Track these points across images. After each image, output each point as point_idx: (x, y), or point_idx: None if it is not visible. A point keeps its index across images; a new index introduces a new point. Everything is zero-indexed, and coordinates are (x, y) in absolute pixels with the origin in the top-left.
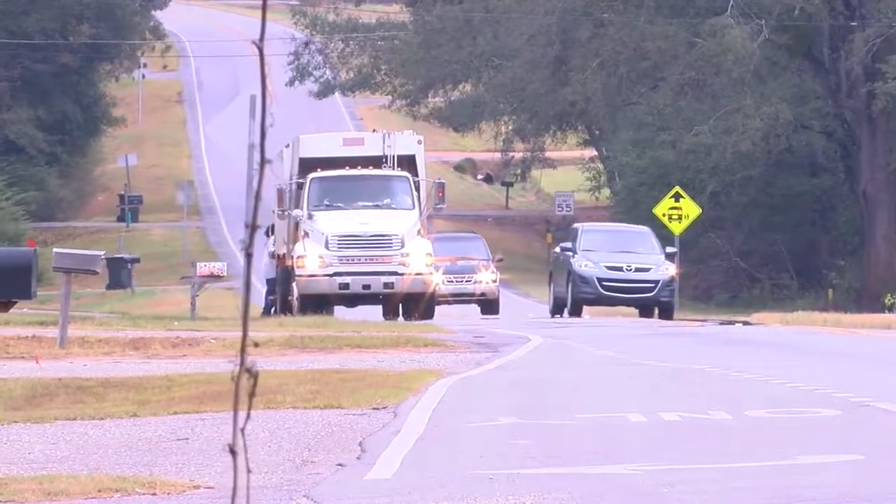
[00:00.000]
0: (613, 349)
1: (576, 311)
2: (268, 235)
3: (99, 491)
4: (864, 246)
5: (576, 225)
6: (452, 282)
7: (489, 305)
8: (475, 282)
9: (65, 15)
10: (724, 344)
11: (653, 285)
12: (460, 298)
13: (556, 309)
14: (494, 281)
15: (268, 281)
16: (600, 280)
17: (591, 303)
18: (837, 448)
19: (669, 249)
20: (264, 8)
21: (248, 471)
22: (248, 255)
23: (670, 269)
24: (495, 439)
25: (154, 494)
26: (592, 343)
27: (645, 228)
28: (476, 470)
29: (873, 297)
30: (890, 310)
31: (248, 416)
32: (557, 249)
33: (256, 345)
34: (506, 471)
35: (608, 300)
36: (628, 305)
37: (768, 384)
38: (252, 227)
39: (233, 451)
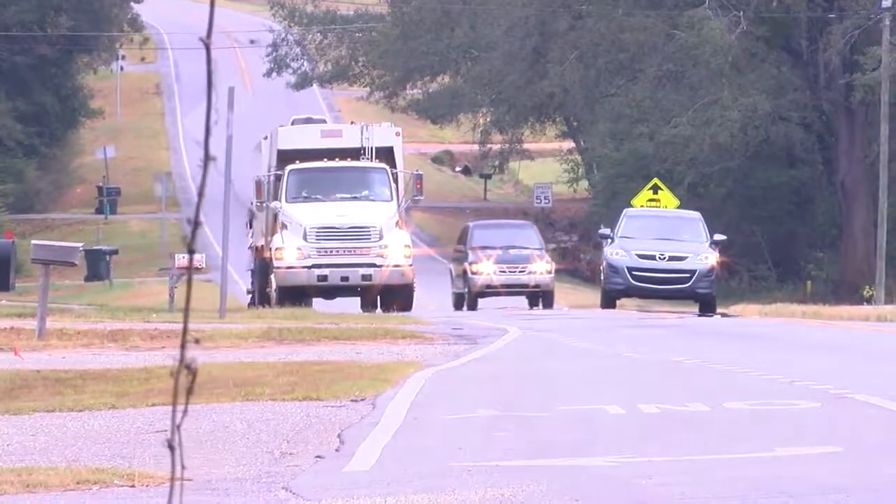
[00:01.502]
0: (592, 341)
1: (608, 303)
2: (249, 227)
3: (77, 483)
4: (843, 238)
5: (624, 210)
6: (505, 272)
7: (544, 298)
8: (529, 272)
9: (43, 6)
10: (703, 336)
11: (688, 275)
12: (513, 290)
13: (607, 302)
14: (549, 272)
15: (252, 273)
16: (630, 269)
17: (622, 294)
18: (816, 440)
19: (718, 237)
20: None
21: (182, 467)
22: (191, 252)
23: (710, 259)
24: (474, 431)
25: (132, 486)
26: (571, 335)
27: (695, 214)
28: (455, 462)
29: (851, 289)
30: (868, 301)
31: (185, 412)
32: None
33: (197, 341)
34: (485, 463)
35: (639, 291)
36: (662, 298)
37: (747, 376)
38: (194, 224)
39: (171, 447)
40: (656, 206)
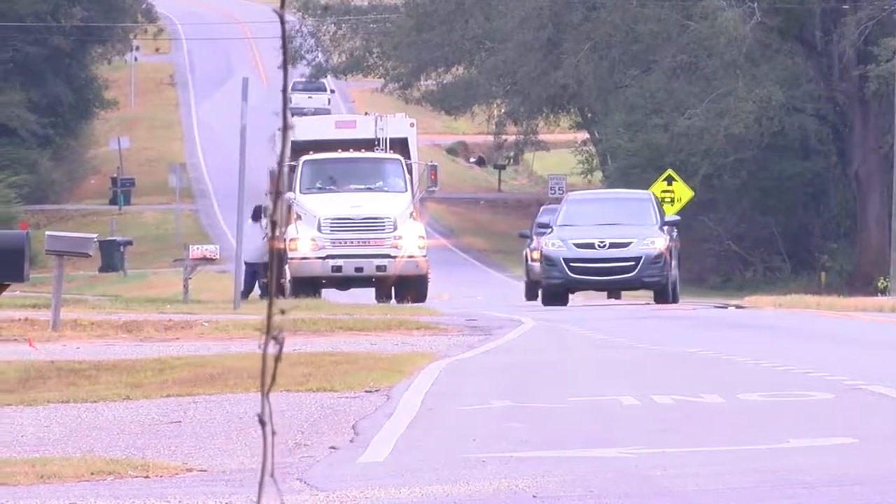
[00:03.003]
0: (606, 332)
1: (549, 299)
2: (258, 218)
3: (92, 474)
4: (857, 229)
5: (566, 194)
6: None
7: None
8: None
9: None
10: (717, 327)
11: (632, 263)
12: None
13: (531, 294)
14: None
15: (247, 264)
16: (567, 261)
17: (561, 289)
18: (830, 431)
19: (670, 218)
20: None
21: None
22: (273, 223)
23: (658, 242)
24: (488, 422)
25: (147, 477)
26: (585, 326)
27: (645, 194)
28: (469, 453)
29: (865, 280)
30: (882, 292)
31: (273, 380)
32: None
33: (283, 311)
34: (499, 454)
35: (579, 285)
36: (605, 290)
37: (761, 367)
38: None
39: (262, 422)
40: (670, 197)
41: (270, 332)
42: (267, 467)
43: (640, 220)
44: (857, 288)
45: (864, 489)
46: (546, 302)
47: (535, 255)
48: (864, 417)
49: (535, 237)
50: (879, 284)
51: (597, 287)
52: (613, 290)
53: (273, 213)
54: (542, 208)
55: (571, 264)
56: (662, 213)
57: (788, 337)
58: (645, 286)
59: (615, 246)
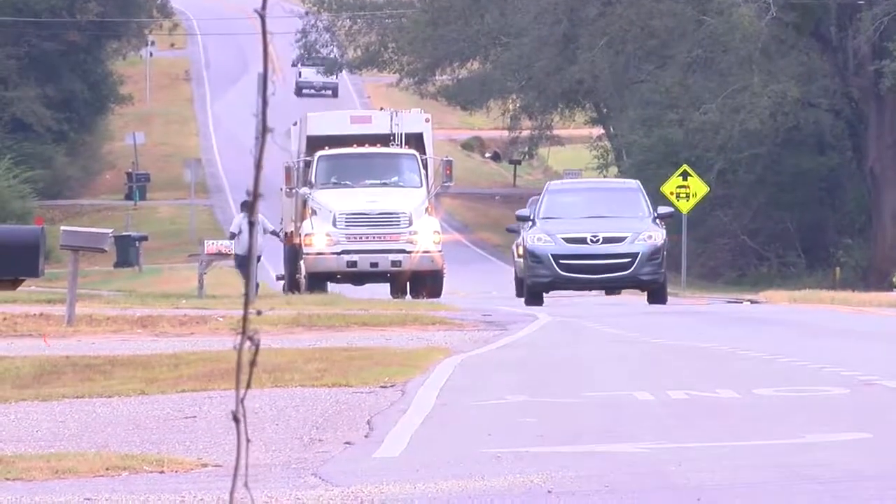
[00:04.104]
0: (621, 327)
1: (533, 300)
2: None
3: (107, 469)
4: (872, 224)
5: (546, 183)
6: None
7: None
8: None
9: None
10: (732, 322)
11: (629, 260)
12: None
13: (519, 292)
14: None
15: (237, 256)
16: (556, 258)
17: (547, 288)
18: (845, 426)
19: (662, 210)
20: None
21: (247, 440)
22: (251, 224)
23: (656, 237)
24: (503, 417)
25: (162, 472)
26: (600, 321)
27: (632, 183)
28: (484, 448)
29: (880, 276)
30: None
31: (249, 384)
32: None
33: (259, 312)
34: (514, 449)
35: (569, 283)
36: (597, 289)
37: (776, 362)
38: (254, 196)
39: (236, 419)
40: (685, 192)
41: (246, 332)
42: (241, 465)
43: (631, 212)
44: (871, 283)
45: (879, 484)
46: (529, 302)
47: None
48: (880, 413)
49: (523, 231)
50: (894, 280)
51: (588, 286)
52: (607, 289)
53: (255, 190)
54: (530, 200)
55: (561, 261)
56: (652, 206)
57: (803, 332)
58: (641, 285)
59: (609, 241)
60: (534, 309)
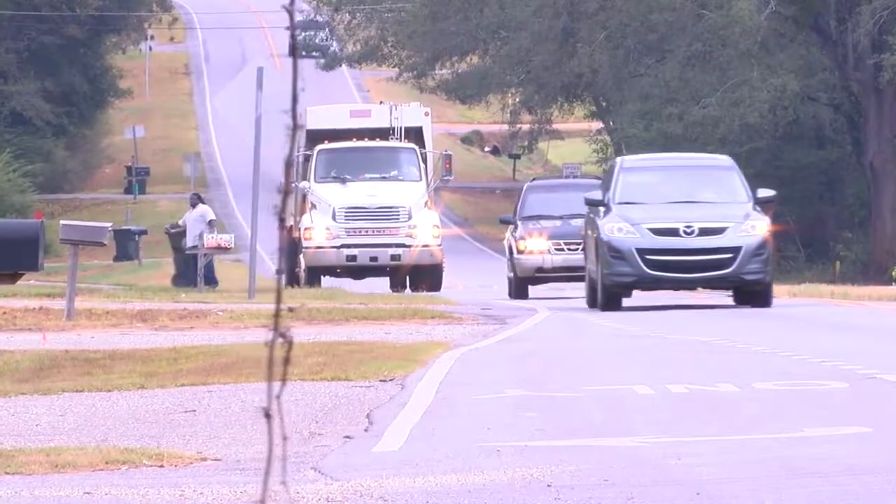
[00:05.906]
0: (620, 321)
1: (611, 304)
2: (196, 206)
3: (106, 463)
4: (871, 218)
5: (616, 159)
6: (563, 250)
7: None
8: None
9: None
10: (732, 316)
11: (730, 256)
12: (574, 274)
13: (593, 299)
14: None
15: (190, 249)
16: (642, 252)
17: (630, 288)
18: (845, 420)
19: (763, 193)
20: None
21: (284, 437)
22: (282, 220)
23: (760, 227)
24: (503, 411)
25: (161, 466)
26: (599, 315)
27: (724, 159)
28: (484, 442)
29: (880, 270)
30: None
31: (284, 382)
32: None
33: (291, 309)
34: (513, 443)
35: (658, 283)
36: (690, 288)
37: (775, 356)
38: (285, 193)
39: (267, 415)
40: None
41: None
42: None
43: (727, 196)
44: (871, 277)
45: (879, 478)
46: (605, 306)
47: (523, 245)
48: (879, 407)
49: (520, 223)
50: (894, 273)
51: (680, 286)
52: (703, 287)
53: (286, 185)
54: (526, 185)
55: (647, 256)
56: (750, 188)
57: (803, 326)
58: (745, 284)
59: (706, 232)
60: (608, 315)
